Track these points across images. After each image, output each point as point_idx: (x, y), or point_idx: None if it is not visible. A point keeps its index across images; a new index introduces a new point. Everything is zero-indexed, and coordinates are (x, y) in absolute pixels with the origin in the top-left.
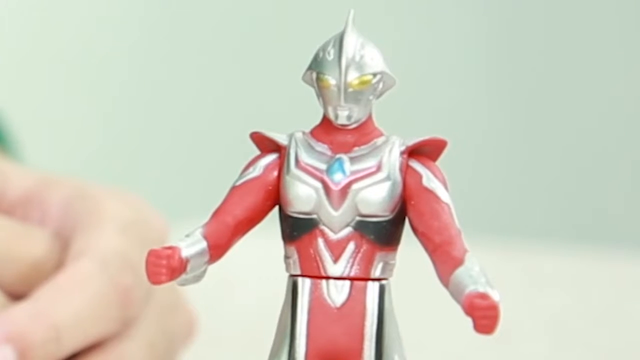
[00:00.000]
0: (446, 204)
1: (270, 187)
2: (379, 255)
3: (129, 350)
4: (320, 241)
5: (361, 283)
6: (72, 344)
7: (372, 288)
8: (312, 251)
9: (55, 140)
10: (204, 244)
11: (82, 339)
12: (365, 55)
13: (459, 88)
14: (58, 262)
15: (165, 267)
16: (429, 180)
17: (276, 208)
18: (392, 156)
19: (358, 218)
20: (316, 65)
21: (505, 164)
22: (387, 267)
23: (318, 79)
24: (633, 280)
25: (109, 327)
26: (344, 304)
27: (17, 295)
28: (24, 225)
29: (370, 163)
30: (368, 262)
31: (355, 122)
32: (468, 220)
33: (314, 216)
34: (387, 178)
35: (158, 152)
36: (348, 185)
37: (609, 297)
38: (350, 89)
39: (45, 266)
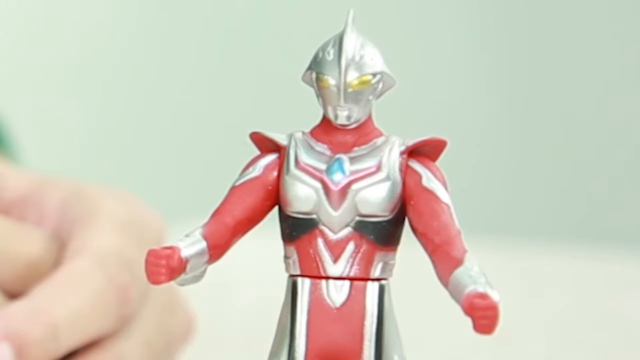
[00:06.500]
0: (446, 204)
1: (269, 187)
2: (378, 255)
3: (126, 349)
4: (320, 241)
5: (361, 283)
6: (69, 342)
7: (372, 288)
8: (311, 251)
9: (53, 142)
10: (203, 244)
11: (80, 337)
12: (365, 55)
13: (458, 88)
14: (55, 261)
15: (165, 267)
16: (428, 180)
17: (276, 208)
18: (391, 156)
19: (358, 218)
20: (316, 66)
21: (505, 164)
22: (387, 267)
23: (318, 79)
24: (633, 280)
25: (107, 325)
26: (343, 304)
27: (14, 295)
28: (21, 224)
29: (370, 163)
30: (368, 262)
31: (354, 122)
32: (468, 221)
33: (314, 216)
34: (387, 178)
35: (157, 152)
36: (348, 185)
37: (609, 297)
38: (350, 89)
39: (42, 265)
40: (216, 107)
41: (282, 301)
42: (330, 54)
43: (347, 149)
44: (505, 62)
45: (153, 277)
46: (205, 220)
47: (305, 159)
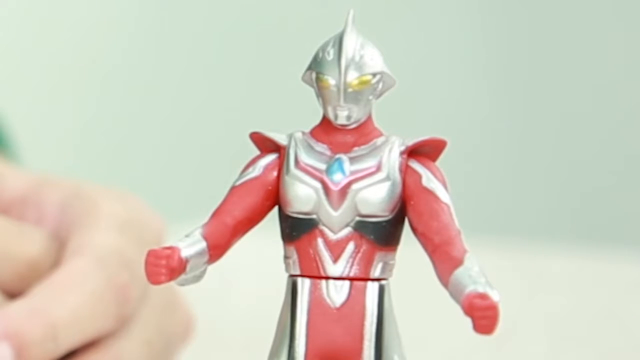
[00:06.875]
0: (446, 204)
1: (269, 187)
2: (378, 255)
3: (125, 348)
4: (320, 241)
5: (361, 283)
6: (69, 342)
7: (372, 288)
8: (311, 251)
9: (53, 142)
10: (203, 244)
11: (79, 337)
12: (364, 55)
13: (458, 88)
14: (54, 261)
15: (165, 267)
16: (428, 180)
17: (276, 208)
18: (391, 156)
19: (357, 218)
20: (316, 66)
21: (505, 164)
22: (387, 267)
23: (318, 79)
24: (633, 280)
25: (106, 325)
26: (343, 304)
27: (13, 294)
28: (20, 224)
29: (369, 163)
30: (367, 262)
31: (354, 122)
32: (468, 221)
33: (314, 216)
34: (387, 178)
35: (157, 152)
36: (347, 185)
37: (609, 297)
38: (350, 89)
39: (41, 265)
40: (216, 107)
41: (282, 301)
42: (330, 54)
43: (347, 149)
44: (505, 61)
45: (153, 277)
46: (205, 220)
47: (305, 159)
